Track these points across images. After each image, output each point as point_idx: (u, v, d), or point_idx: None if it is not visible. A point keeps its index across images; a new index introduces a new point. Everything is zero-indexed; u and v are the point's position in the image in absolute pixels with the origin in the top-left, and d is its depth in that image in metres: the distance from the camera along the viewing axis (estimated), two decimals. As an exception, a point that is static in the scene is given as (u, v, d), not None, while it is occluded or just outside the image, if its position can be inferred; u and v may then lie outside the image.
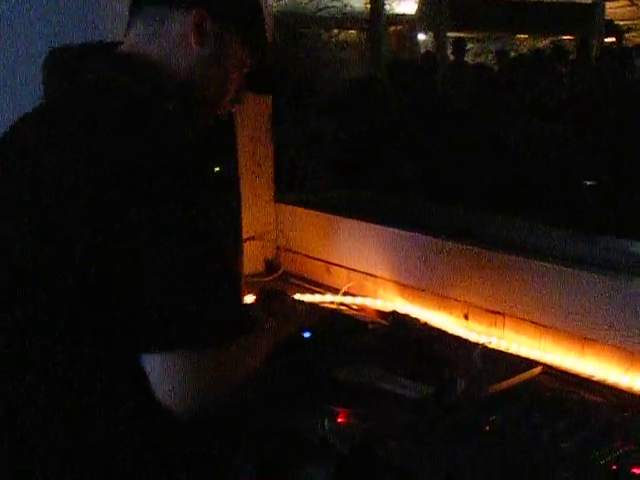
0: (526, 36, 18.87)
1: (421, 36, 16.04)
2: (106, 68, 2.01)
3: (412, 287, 3.91)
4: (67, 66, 2.11)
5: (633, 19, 20.92)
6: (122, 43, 2.15)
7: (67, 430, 1.86)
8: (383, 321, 3.61)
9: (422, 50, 15.09)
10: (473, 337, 3.54)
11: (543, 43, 17.83)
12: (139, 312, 1.82)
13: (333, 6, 17.40)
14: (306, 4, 17.06)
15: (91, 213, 1.83)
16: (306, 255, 4.48)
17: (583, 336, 3.32)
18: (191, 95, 2.09)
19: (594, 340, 3.28)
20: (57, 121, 2.04)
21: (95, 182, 1.82)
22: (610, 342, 3.23)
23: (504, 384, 2.96)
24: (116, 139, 1.83)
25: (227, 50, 2.15)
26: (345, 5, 17.65)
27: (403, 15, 18.59)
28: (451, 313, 3.74)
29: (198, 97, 2.13)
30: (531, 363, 3.23)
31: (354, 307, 3.95)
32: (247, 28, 2.17)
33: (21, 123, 2.15)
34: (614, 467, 2.40)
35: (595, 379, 3.16)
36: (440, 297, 3.79)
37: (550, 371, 3.21)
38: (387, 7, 17.34)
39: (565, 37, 18.19)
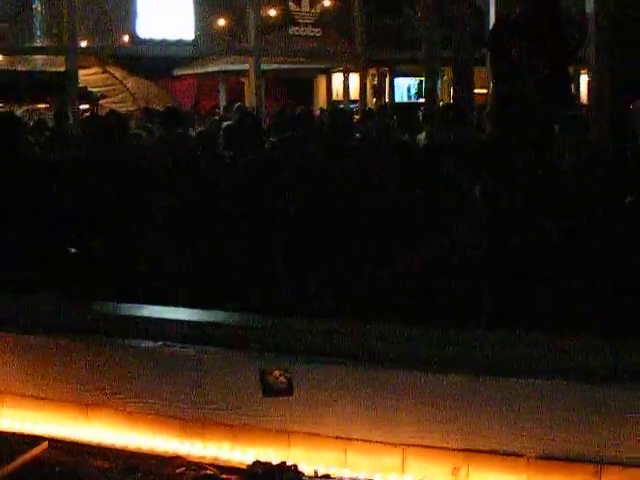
0: (1, 105, 18.64)
1: None
2: None
3: None
4: None
5: (106, 85, 21.64)
6: None
7: None
8: None
9: None
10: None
11: (19, 111, 17.74)
12: None
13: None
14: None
15: None
16: None
17: (85, 402, 3.31)
18: None
19: (96, 405, 3.29)
20: None
21: None
22: (112, 404, 3.27)
23: (7, 468, 2.84)
24: None
25: None
26: None
27: None
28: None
29: None
30: (36, 440, 3.14)
31: None
32: None
33: None
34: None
35: (104, 445, 3.17)
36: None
37: (57, 444, 3.15)
38: None
39: (40, 105, 18.31)
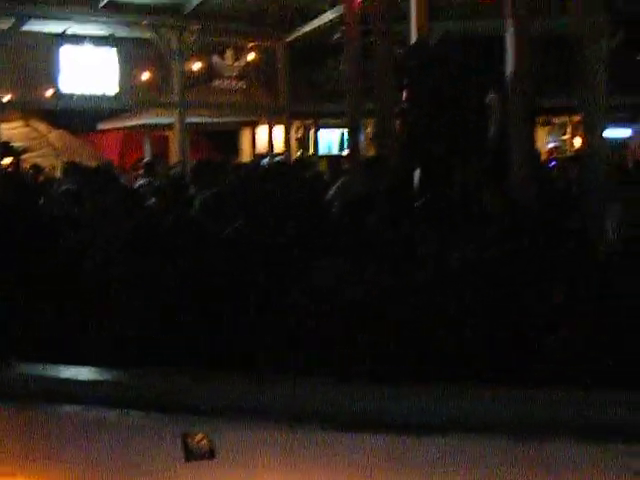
0: None
1: None
2: None
3: None
4: None
5: (29, 139, 21.39)
6: None
7: None
8: None
9: None
10: None
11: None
12: None
13: None
14: None
15: None
16: None
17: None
18: None
19: (12, 474, 3.18)
20: None
21: None
22: (31, 472, 3.16)
23: None
24: None
25: None
26: None
27: None
28: None
29: None
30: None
31: None
32: None
33: None
34: None
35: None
36: None
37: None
38: None
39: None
